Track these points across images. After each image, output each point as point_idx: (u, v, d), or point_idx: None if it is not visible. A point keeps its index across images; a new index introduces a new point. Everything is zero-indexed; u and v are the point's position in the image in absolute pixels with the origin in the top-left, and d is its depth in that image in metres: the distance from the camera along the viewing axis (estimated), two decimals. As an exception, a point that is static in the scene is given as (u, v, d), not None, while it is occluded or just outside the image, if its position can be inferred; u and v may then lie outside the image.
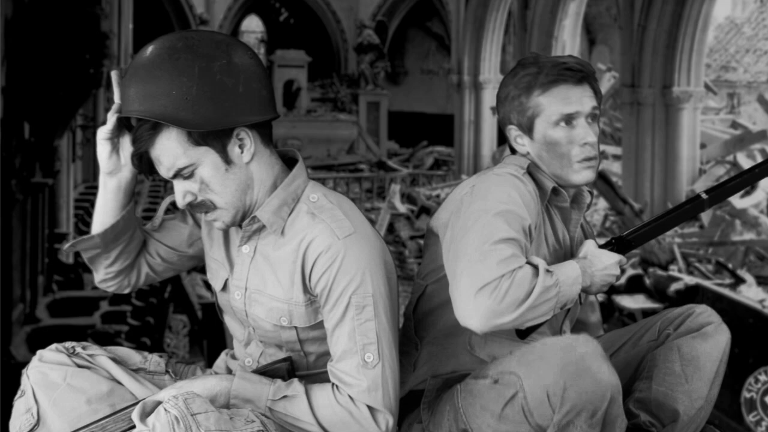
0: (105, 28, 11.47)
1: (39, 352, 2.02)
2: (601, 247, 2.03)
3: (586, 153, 2.06)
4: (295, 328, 1.95)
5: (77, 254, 2.15)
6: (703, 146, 13.40)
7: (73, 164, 12.68)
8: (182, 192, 1.86)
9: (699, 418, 2.07)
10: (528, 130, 2.09)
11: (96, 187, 2.26)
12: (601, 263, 1.99)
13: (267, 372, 1.96)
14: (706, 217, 11.90)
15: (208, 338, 8.92)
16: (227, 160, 1.85)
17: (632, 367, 2.13)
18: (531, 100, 2.08)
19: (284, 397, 1.89)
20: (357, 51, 23.92)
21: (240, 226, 1.95)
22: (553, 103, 2.06)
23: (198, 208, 1.89)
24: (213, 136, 1.82)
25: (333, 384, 1.91)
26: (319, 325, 1.95)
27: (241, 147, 1.86)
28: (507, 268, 1.83)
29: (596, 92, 2.10)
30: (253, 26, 25.10)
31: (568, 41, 15.72)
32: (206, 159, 1.84)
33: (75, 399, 1.96)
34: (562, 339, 1.88)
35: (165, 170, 1.84)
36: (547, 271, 1.88)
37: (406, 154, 22.42)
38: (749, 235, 11.34)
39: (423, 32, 25.53)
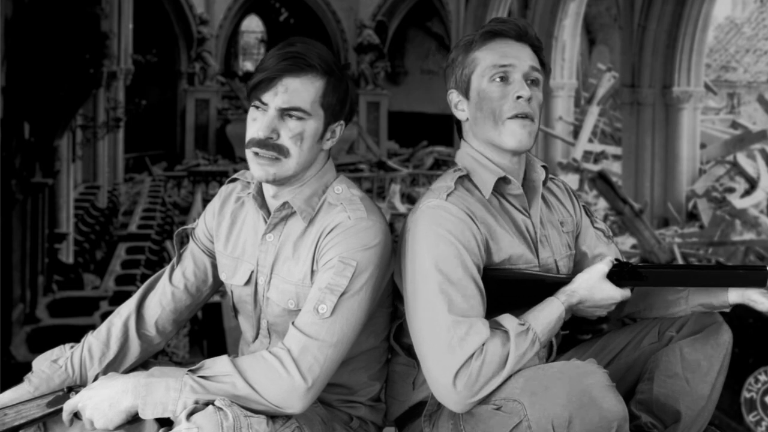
0: (105, 28, 11.46)
1: None
2: (610, 272, 1.95)
3: (519, 108, 1.97)
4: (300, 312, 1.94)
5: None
6: (703, 146, 13.39)
7: (73, 164, 12.65)
8: (271, 127, 1.94)
9: (701, 418, 2.05)
10: (465, 90, 2.04)
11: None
12: (601, 295, 1.95)
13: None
14: (705, 217, 11.90)
15: (208, 338, 8.92)
16: (322, 135, 1.99)
17: (634, 371, 2.11)
18: (469, 56, 2.03)
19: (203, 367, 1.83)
20: (357, 51, 23.90)
21: (265, 216, 2.04)
22: (489, 56, 2.01)
23: (267, 147, 1.94)
24: (332, 113, 1.99)
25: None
26: None
27: (331, 135, 2.01)
28: (470, 349, 1.81)
29: (539, 58, 2.02)
30: (253, 26, 25.07)
31: (568, 41, 15.71)
32: (317, 120, 1.97)
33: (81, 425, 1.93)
34: (567, 367, 1.81)
35: (284, 99, 1.94)
36: (521, 331, 1.85)
37: (406, 154, 22.39)
38: (749, 235, 11.33)
39: (423, 32, 25.48)
